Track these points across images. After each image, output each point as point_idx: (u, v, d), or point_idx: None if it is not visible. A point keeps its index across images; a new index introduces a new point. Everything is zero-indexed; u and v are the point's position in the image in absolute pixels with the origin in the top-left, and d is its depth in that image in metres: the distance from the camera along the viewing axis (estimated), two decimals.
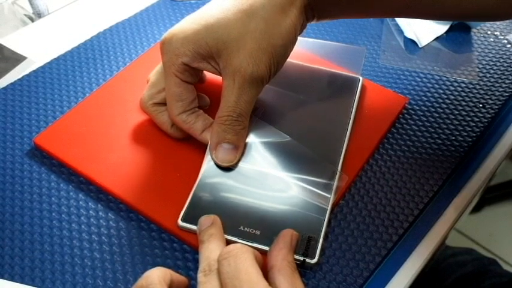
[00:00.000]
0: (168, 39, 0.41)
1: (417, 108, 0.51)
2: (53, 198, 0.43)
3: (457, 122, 0.50)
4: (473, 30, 0.60)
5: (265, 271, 0.34)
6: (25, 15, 0.64)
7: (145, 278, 0.33)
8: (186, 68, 0.41)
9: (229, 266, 0.32)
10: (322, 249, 0.40)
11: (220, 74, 0.41)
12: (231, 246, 0.34)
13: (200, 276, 0.34)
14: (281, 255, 0.35)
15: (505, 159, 0.50)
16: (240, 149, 0.43)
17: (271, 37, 0.40)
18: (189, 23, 0.41)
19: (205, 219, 0.38)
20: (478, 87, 0.53)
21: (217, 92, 0.42)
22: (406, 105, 0.51)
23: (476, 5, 0.43)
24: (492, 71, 0.55)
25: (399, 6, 0.44)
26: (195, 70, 0.42)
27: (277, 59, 0.41)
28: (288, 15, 0.40)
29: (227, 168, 0.43)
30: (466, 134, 0.49)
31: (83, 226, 0.41)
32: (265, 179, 0.42)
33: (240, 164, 0.43)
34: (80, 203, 0.42)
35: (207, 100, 0.47)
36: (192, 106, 0.43)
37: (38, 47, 0.57)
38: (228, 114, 0.41)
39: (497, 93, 0.53)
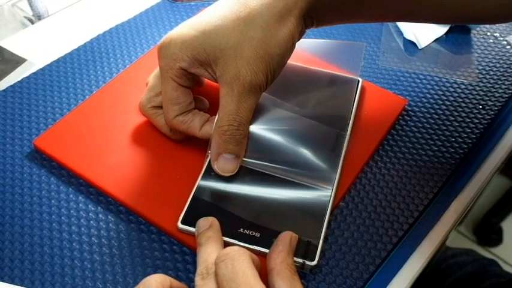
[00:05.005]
0: (165, 43, 0.41)
1: (417, 109, 0.51)
2: (52, 201, 0.43)
3: (456, 124, 0.50)
4: (473, 31, 0.60)
5: (265, 274, 0.34)
6: (25, 17, 0.64)
7: (144, 284, 0.33)
8: (183, 72, 0.41)
9: (226, 268, 0.32)
10: (322, 252, 0.40)
11: (216, 81, 0.41)
12: (228, 248, 0.34)
13: (198, 279, 0.34)
14: (280, 258, 0.35)
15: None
16: (241, 157, 0.43)
17: (269, 46, 0.39)
18: (187, 28, 0.41)
19: (203, 222, 0.38)
20: (477, 88, 0.53)
21: (216, 94, 0.42)
22: (406, 106, 0.51)
23: (478, 9, 0.42)
24: (492, 72, 0.55)
25: (399, 12, 0.44)
26: (192, 75, 0.42)
27: (274, 68, 0.41)
28: (285, 24, 0.40)
29: None
30: (465, 135, 0.49)
31: (82, 228, 0.41)
32: (265, 180, 0.42)
33: (239, 166, 0.43)
34: (80, 205, 0.42)
35: (206, 103, 0.47)
36: (188, 108, 0.43)
37: (38, 49, 0.57)
38: (229, 123, 0.40)
39: (496, 95, 0.53)
